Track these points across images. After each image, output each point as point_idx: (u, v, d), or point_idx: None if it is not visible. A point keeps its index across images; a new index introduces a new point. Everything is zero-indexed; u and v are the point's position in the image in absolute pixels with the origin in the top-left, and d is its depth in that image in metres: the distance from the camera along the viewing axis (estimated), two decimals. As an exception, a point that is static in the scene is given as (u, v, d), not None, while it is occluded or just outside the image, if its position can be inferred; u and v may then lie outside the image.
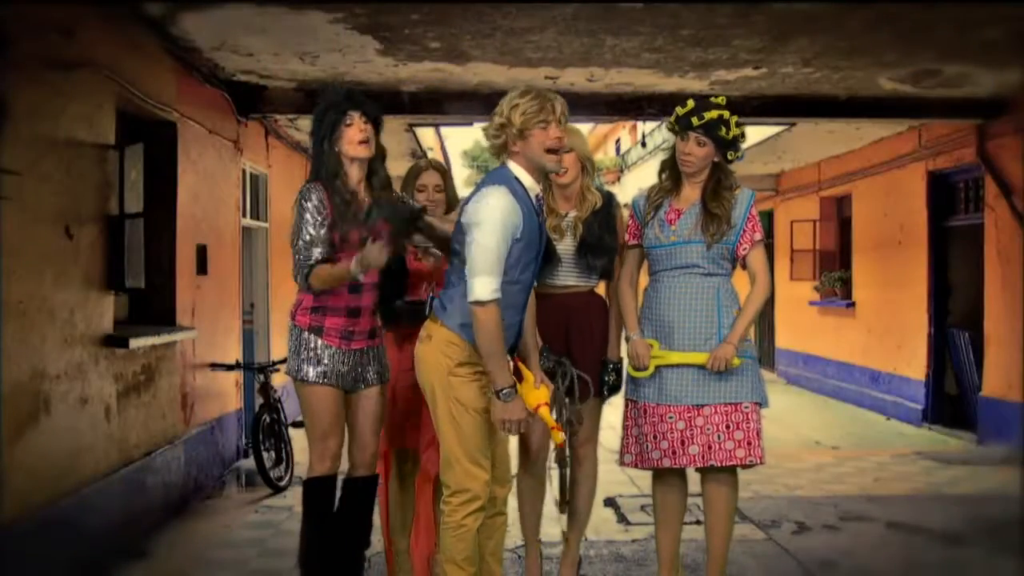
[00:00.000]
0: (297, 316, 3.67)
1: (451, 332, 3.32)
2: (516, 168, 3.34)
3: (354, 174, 3.64)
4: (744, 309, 3.77)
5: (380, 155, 3.71)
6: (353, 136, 3.56)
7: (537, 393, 3.48)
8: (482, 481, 3.34)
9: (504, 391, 3.20)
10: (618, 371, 3.95)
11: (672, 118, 3.83)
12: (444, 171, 4.13)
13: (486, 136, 3.43)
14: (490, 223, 3.18)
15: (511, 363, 3.58)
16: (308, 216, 3.53)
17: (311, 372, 3.61)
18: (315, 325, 3.61)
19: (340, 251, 3.57)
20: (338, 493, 3.80)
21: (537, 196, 3.37)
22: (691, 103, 3.75)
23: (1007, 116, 7.44)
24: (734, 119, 3.72)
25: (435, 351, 3.36)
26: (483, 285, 3.16)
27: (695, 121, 3.70)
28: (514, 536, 4.41)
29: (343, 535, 3.76)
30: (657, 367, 3.77)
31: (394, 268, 3.73)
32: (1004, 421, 7.67)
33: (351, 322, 3.62)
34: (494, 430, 3.44)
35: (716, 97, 3.78)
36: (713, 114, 3.68)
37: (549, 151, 3.28)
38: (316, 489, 3.70)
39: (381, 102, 3.97)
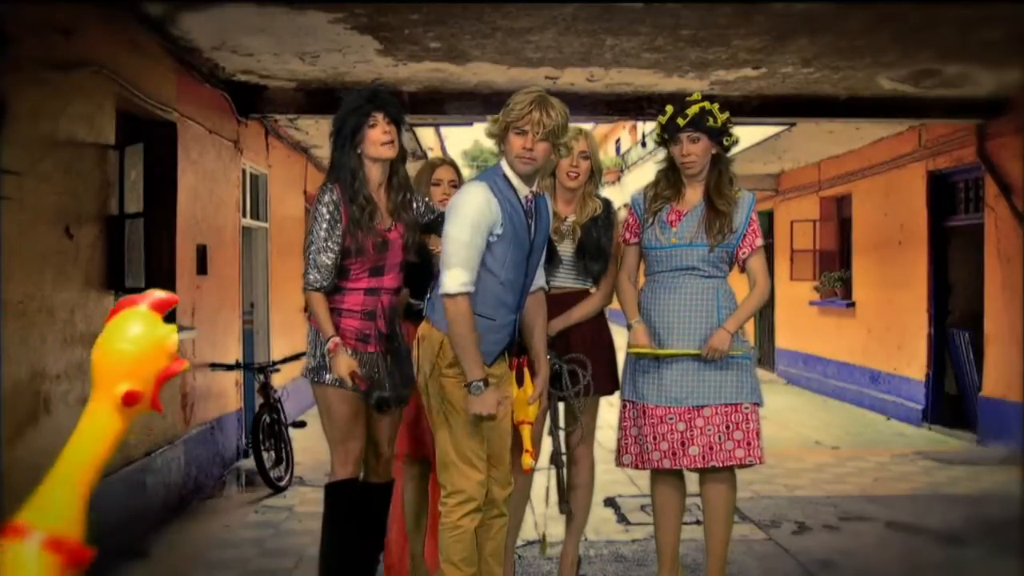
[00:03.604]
0: (312, 317, 3.66)
1: (441, 333, 3.32)
2: (506, 167, 3.35)
3: (375, 176, 3.60)
4: (743, 304, 3.77)
5: (401, 155, 3.68)
6: (377, 137, 3.53)
7: (527, 409, 3.48)
8: (476, 481, 3.34)
9: (473, 384, 3.20)
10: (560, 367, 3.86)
11: (657, 129, 3.85)
12: (458, 168, 4.19)
13: (485, 131, 3.45)
14: (461, 217, 3.22)
15: (517, 364, 3.59)
16: (320, 219, 3.50)
17: (327, 375, 3.58)
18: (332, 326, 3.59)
19: (354, 259, 3.55)
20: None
21: (527, 197, 3.36)
22: (669, 108, 3.77)
23: (1007, 116, 7.44)
24: (715, 107, 3.73)
25: (427, 352, 3.37)
26: (452, 278, 3.19)
27: (681, 121, 3.71)
28: (522, 534, 4.41)
29: (358, 540, 3.76)
30: (657, 359, 3.76)
31: (421, 266, 3.74)
32: (1004, 421, 7.67)
33: (366, 324, 3.57)
34: (496, 432, 3.44)
35: (692, 95, 3.80)
36: (695, 108, 3.70)
37: (519, 157, 3.28)
38: (339, 493, 3.69)
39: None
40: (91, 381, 2.33)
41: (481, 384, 3.21)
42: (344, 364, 3.44)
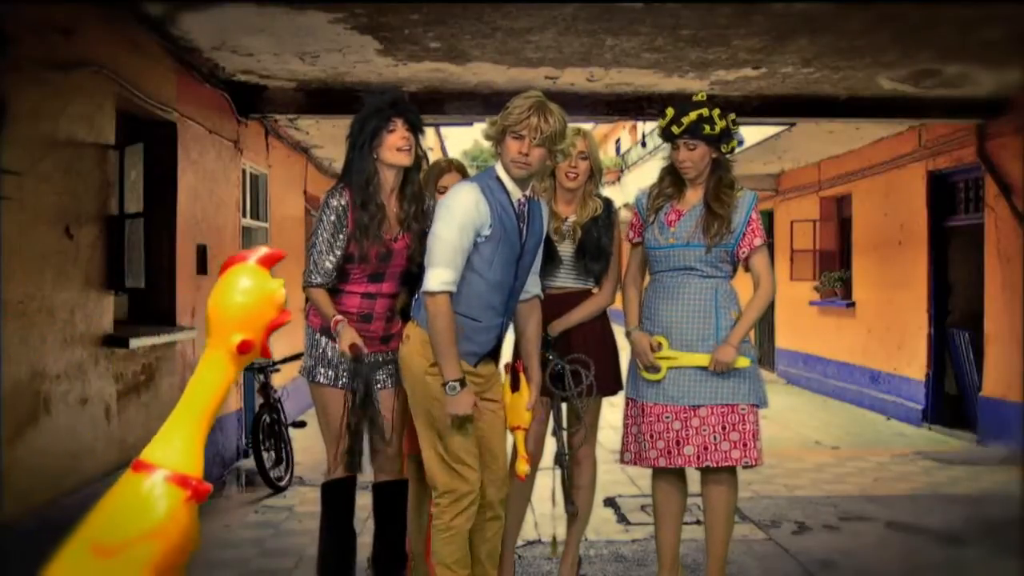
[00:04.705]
0: (310, 316, 3.66)
1: (425, 332, 3.31)
2: (501, 169, 3.35)
3: (388, 182, 3.60)
4: (746, 311, 3.77)
5: (417, 164, 3.68)
6: (395, 142, 3.53)
7: (523, 415, 3.48)
8: (467, 480, 3.32)
9: (448, 384, 3.19)
10: (547, 343, 3.85)
11: (658, 131, 3.85)
12: (465, 171, 4.15)
13: (483, 133, 3.45)
14: (449, 217, 3.23)
15: (513, 369, 3.59)
16: (326, 222, 3.50)
17: (322, 374, 3.59)
18: (326, 326, 3.58)
19: (356, 264, 3.55)
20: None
21: (519, 201, 3.36)
22: (670, 111, 3.74)
23: (1007, 116, 7.44)
24: (716, 112, 3.69)
25: (412, 352, 3.37)
26: (435, 276, 3.21)
27: (676, 130, 3.70)
28: (522, 534, 4.41)
29: (378, 542, 3.75)
30: (667, 368, 3.76)
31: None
32: (1004, 421, 7.67)
33: (362, 327, 3.56)
34: (490, 432, 3.44)
35: (697, 94, 3.78)
36: (692, 116, 3.67)
37: (514, 161, 3.28)
38: (334, 492, 3.69)
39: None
40: (206, 331, 2.43)
41: (457, 384, 3.20)
42: (347, 337, 3.43)
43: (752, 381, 3.77)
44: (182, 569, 2.43)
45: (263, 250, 2.46)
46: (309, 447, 7.03)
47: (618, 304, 4.03)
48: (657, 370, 3.75)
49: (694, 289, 3.76)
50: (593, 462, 4.09)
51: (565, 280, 3.94)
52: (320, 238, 3.50)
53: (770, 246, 3.96)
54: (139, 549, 2.27)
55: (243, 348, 2.40)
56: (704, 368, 3.70)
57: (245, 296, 2.41)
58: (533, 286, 3.59)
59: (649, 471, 4.01)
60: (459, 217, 3.21)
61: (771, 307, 13.18)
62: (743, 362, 3.68)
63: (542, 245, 3.58)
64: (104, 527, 2.33)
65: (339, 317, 3.48)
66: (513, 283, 3.41)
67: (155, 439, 2.44)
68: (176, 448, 2.42)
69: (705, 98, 3.74)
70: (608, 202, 4.04)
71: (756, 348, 3.98)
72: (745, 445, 3.71)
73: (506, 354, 3.71)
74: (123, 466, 4.94)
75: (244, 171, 7.65)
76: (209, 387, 2.46)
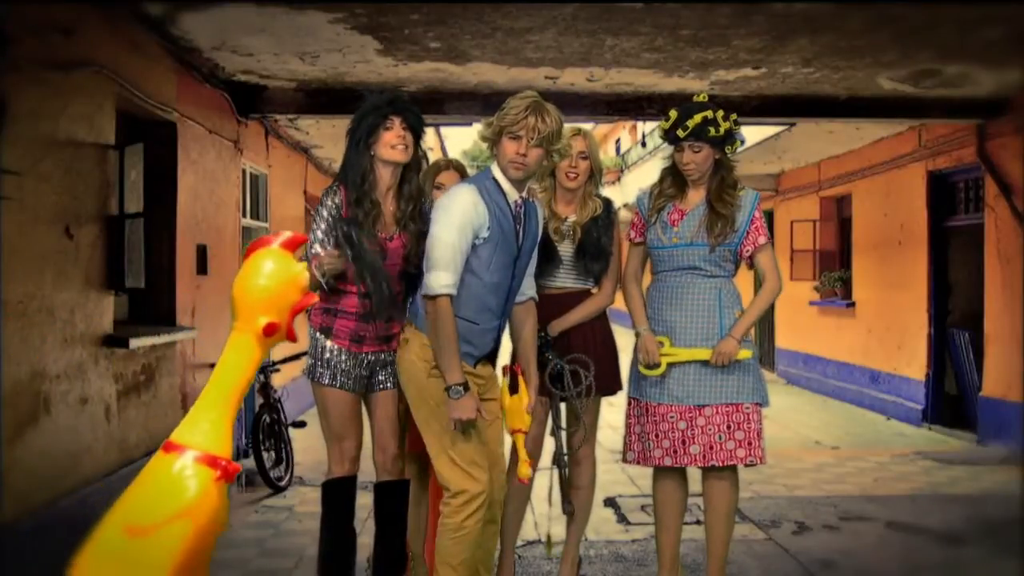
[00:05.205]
0: (311, 315, 3.65)
1: (424, 335, 3.30)
2: (497, 171, 3.34)
3: (384, 180, 3.59)
4: (751, 305, 3.77)
5: (416, 164, 3.67)
6: (390, 139, 3.52)
7: (524, 417, 3.47)
8: (479, 481, 3.31)
9: (452, 388, 3.18)
10: (547, 343, 3.85)
11: (660, 133, 3.84)
12: (464, 171, 4.15)
13: (479, 134, 3.45)
14: (447, 219, 3.22)
15: (511, 372, 3.58)
16: (320, 220, 3.50)
17: (321, 374, 3.59)
18: (325, 326, 3.58)
19: (352, 263, 3.54)
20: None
21: (516, 202, 3.35)
22: (673, 114, 3.74)
23: (1007, 116, 7.44)
24: (719, 114, 3.70)
25: (412, 355, 3.36)
26: (435, 279, 3.20)
27: (681, 133, 3.70)
28: (522, 534, 4.41)
29: (378, 542, 3.75)
30: (668, 365, 3.76)
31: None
32: (1004, 421, 7.67)
33: (361, 326, 3.56)
34: (490, 433, 3.43)
35: (698, 95, 3.78)
36: (697, 119, 3.67)
37: (512, 162, 3.27)
38: (334, 491, 3.69)
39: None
40: (232, 315, 2.47)
41: (460, 388, 3.19)
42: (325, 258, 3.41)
43: (755, 380, 3.78)
44: (210, 550, 2.46)
45: (287, 234, 2.51)
46: (309, 447, 7.03)
47: (618, 304, 4.03)
48: (657, 366, 3.76)
49: (698, 289, 3.77)
50: (593, 462, 4.09)
51: (565, 280, 3.95)
52: (315, 237, 3.51)
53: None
54: (171, 529, 2.32)
55: (269, 330, 2.45)
56: (708, 366, 3.71)
57: (269, 279, 2.47)
58: (528, 288, 3.58)
59: (649, 471, 4.01)
60: (457, 219, 3.20)
61: (771, 307, 13.18)
62: (744, 353, 3.69)
63: (537, 247, 3.58)
64: (136, 508, 2.38)
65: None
66: (510, 285, 3.40)
67: (184, 421, 2.48)
68: (205, 430, 2.47)
69: (707, 99, 3.74)
70: (608, 202, 4.04)
71: (756, 347, 3.98)
72: (750, 444, 3.73)
73: (504, 356, 3.71)
74: (123, 466, 4.98)
75: (244, 171, 7.66)
76: (236, 370, 2.50)
